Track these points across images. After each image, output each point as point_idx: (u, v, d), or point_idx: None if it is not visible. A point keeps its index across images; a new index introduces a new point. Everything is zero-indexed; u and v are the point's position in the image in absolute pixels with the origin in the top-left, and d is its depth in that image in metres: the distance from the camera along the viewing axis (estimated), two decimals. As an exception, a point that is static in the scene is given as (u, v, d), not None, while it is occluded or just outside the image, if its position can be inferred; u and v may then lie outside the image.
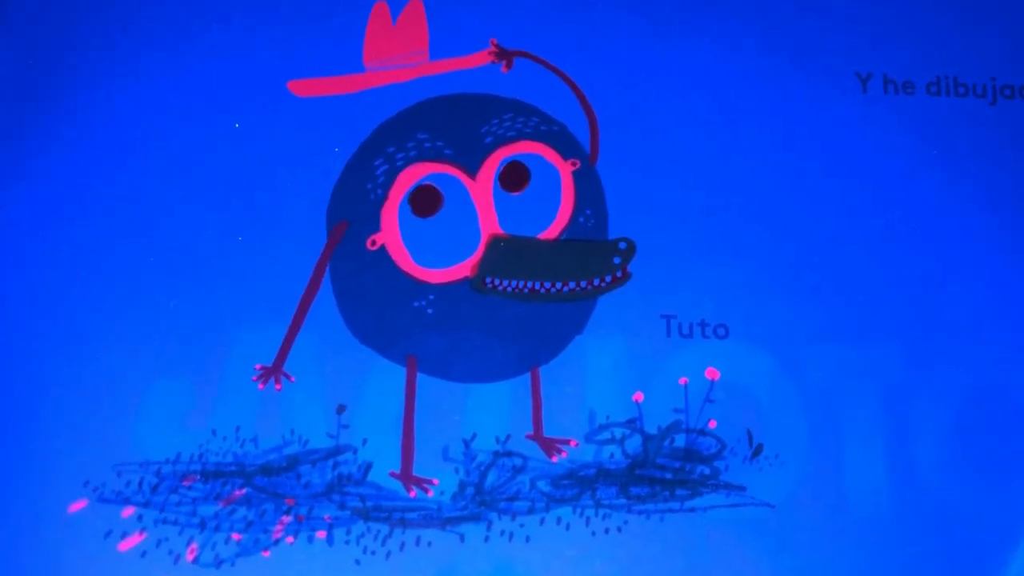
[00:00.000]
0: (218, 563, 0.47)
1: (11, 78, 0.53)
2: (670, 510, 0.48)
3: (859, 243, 0.52)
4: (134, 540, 0.47)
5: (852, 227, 0.52)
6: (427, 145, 0.52)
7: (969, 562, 0.49)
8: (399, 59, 0.53)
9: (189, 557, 0.47)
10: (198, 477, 0.48)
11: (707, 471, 0.49)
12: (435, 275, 0.51)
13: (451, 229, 0.51)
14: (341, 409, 0.49)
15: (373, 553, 0.47)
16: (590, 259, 0.51)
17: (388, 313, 0.50)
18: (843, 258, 0.52)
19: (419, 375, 0.50)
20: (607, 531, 0.48)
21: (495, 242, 0.51)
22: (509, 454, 0.49)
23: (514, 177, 0.52)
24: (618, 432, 0.49)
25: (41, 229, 0.51)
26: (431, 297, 0.50)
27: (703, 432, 0.49)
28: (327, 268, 0.50)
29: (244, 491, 0.48)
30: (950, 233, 0.52)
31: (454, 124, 0.52)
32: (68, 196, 0.51)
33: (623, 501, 0.48)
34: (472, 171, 0.52)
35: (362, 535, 0.48)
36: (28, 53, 0.53)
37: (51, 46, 0.53)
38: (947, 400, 0.50)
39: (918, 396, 0.50)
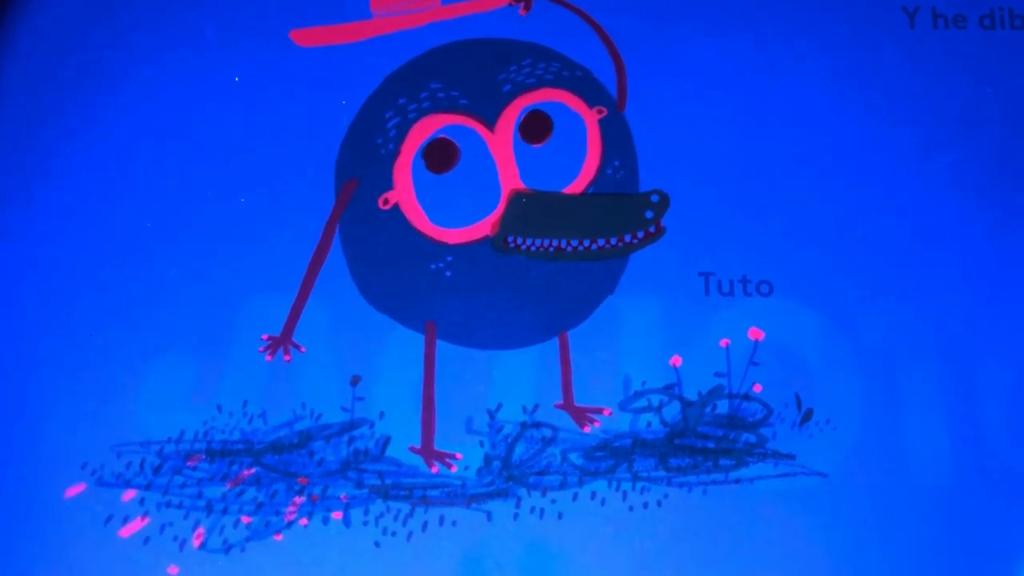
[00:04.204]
0: (227, 548, 0.45)
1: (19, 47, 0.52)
2: (714, 482, 0.46)
3: (911, 190, 0.50)
4: (136, 525, 0.46)
5: (903, 173, 0.50)
6: (441, 95, 0.50)
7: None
8: (408, 4, 0.51)
9: (196, 543, 0.46)
10: (203, 456, 0.47)
11: (753, 439, 0.47)
12: (453, 235, 0.49)
13: (469, 185, 0.50)
14: (356, 380, 0.47)
15: (394, 534, 0.46)
16: (620, 214, 0.49)
17: (404, 277, 0.49)
18: (894, 206, 0.49)
19: (439, 342, 0.48)
20: (646, 505, 0.46)
21: (517, 198, 0.49)
22: (538, 425, 0.47)
23: (536, 127, 0.50)
24: (655, 399, 0.48)
25: (32, 202, 0.50)
26: (449, 259, 0.49)
27: (747, 397, 0.47)
28: (336, 230, 0.49)
29: (253, 470, 0.47)
30: (1009, 176, 0.50)
31: (469, 72, 0.51)
32: (59, 165, 0.50)
33: (662, 473, 0.47)
34: (490, 122, 0.50)
35: (381, 515, 0.46)
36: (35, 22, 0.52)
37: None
38: (1012, 358, 0.48)
39: (980, 354, 0.48)
